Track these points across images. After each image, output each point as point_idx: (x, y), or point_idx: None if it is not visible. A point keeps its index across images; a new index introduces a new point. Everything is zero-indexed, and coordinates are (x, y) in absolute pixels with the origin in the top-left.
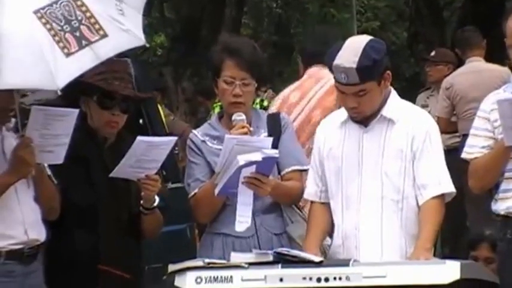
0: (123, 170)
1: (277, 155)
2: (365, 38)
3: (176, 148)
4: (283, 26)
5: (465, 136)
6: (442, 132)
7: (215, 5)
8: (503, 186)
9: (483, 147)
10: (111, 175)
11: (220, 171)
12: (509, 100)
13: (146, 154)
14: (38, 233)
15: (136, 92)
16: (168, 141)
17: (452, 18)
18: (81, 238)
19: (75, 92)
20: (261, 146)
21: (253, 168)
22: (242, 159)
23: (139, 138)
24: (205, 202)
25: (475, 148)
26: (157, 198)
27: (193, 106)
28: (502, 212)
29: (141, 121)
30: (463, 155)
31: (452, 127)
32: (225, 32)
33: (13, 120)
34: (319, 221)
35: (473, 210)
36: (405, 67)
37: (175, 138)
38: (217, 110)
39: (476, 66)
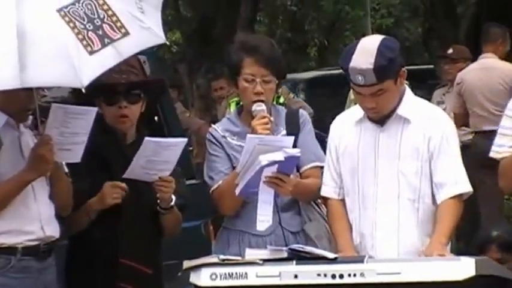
0: (134, 171)
1: (299, 154)
2: (377, 38)
3: (190, 144)
4: (298, 23)
5: (477, 133)
6: (458, 126)
7: (230, 2)
8: None
9: (511, 146)
10: (123, 176)
11: (241, 170)
12: None
13: (156, 155)
14: (54, 230)
15: (141, 78)
16: (177, 143)
17: (466, 14)
18: (103, 233)
19: (85, 96)
20: (283, 145)
21: (274, 167)
22: (264, 159)
23: (146, 138)
24: (230, 195)
25: (503, 148)
26: (173, 198)
27: (208, 103)
28: None
29: (156, 118)
30: (492, 154)
31: (468, 121)
32: (240, 32)
33: (30, 117)
34: (343, 219)
35: (486, 208)
36: (419, 63)
37: (186, 139)
38: (233, 106)
39: (487, 62)
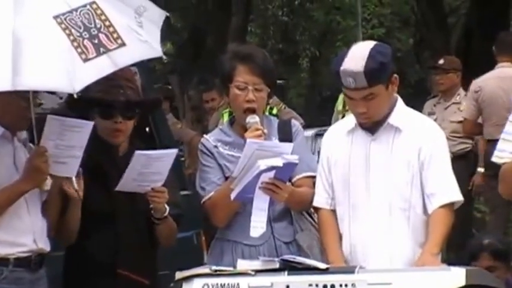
0: (127, 184)
1: (297, 161)
2: (370, 43)
3: (182, 155)
4: (289, 34)
5: (490, 141)
6: (467, 133)
7: (221, 13)
8: None
9: None
10: (116, 189)
11: (238, 175)
12: None
13: (148, 167)
14: (45, 243)
15: (138, 96)
16: (168, 154)
17: (457, 24)
18: (99, 244)
19: (80, 107)
20: (282, 151)
21: (271, 173)
22: (263, 163)
23: (137, 152)
24: (222, 205)
25: (505, 153)
26: (167, 208)
27: (200, 114)
28: None
29: (147, 129)
30: (493, 159)
31: (478, 129)
32: (232, 42)
33: (23, 132)
34: (334, 230)
35: (494, 215)
36: (410, 73)
37: (176, 150)
38: (226, 116)
39: (503, 72)
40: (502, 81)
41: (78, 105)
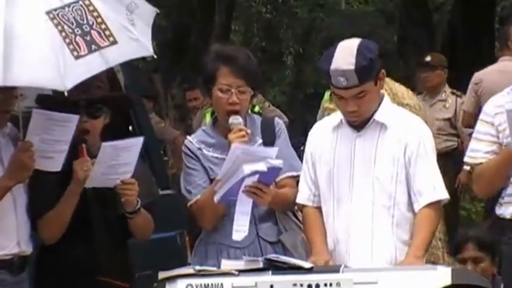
0: (96, 178)
1: (281, 166)
2: (356, 40)
3: (165, 155)
4: (273, 31)
5: None
6: (466, 126)
7: (204, 11)
8: (509, 190)
9: (487, 152)
10: (86, 185)
11: (222, 178)
12: None
13: (116, 159)
14: (28, 245)
15: (105, 94)
16: (135, 142)
17: (442, 21)
18: (75, 249)
19: (49, 105)
20: (267, 156)
21: (255, 177)
22: (248, 168)
23: (103, 144)
24: (209, 208)
25: (478, 153)
26: (139, 200)
27: (183, 112)
28: (508, 216)
29: (130, 128)
30: (466, 159)
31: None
32: (215, 41)
33: (9, 124)
34: (318, 225)
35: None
36: (394, 71)
37: (142, 138)
38: (208, 116)
39: (505, 65)
40: (503, 75)
41: (47, 103)
